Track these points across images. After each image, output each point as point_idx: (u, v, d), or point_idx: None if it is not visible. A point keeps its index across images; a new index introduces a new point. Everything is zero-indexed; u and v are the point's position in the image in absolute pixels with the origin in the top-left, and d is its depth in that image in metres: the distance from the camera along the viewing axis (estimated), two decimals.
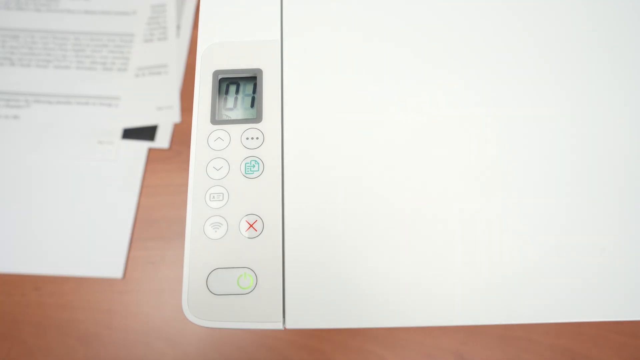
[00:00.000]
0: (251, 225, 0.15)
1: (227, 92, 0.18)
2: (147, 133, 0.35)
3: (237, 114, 0.18)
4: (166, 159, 0.35)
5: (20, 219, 0.32)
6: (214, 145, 0.17)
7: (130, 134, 0.35)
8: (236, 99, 0.18)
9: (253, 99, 0.18)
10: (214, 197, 0.16)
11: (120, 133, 0.35)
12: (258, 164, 0.16)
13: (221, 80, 0.18)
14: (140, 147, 0.35)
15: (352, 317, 0.15)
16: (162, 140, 0.35)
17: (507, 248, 0.16)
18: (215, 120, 0.17)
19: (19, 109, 0.35)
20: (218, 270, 0.14)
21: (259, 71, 0.18)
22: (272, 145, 0.17)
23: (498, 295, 0.15)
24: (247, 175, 0.16)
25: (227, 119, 0.18)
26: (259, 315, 0.14)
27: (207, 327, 0.14)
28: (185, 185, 0.17)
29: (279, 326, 0.14)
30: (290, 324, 0.14)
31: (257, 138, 0.17)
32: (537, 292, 0.15)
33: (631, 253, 0.16)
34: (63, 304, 0.31)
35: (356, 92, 0.18)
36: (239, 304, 0.14)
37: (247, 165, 0.16)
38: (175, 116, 0.36)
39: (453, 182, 0.17)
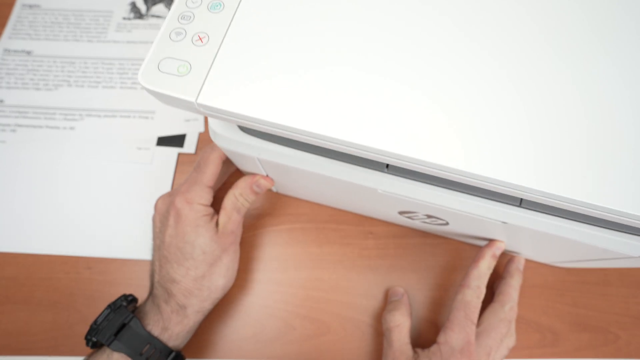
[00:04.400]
0: (200, 39, 0.18)
1: None
2: (177, 141, 0.36)
3: None
4: (193, 162, 0.35)
5: (75, 211, 0.34)
6: None
7: (164, 141, 0.36)
8: None
9: None
10: (184, 17, 0.18)
11: (155, 141, 0.36)
12: (221, 5, 0.19)
13: None
14: (172, 152, 0.36)
15: (252, 109, 0.16)
16: (189, 146, 0.36)
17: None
18: None
19: (75, 121, 0.36)
20: (168, 58, 0.17)
21: None
22: None
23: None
24: (211, 10, 0.18)
25: None
26: (183, 91, 0.17)
27: (149, 90, 0.17)
28: None
29: (193, 99, 0.17)
30: (201, 100, 0.17)
31: None
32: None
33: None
34: (109, 280, 0.32)
35: None
36: (174, 81, 0.17)
37: (213, 3, 0.19)
38: (200, 127, 0.36)
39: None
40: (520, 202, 0.20)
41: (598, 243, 0.20)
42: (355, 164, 0.21)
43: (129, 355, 0.24)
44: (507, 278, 0.28)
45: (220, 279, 0.27)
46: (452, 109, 0.16)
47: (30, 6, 0.41)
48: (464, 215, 0.22)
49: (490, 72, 0.17)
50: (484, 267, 0.26)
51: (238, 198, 0.27)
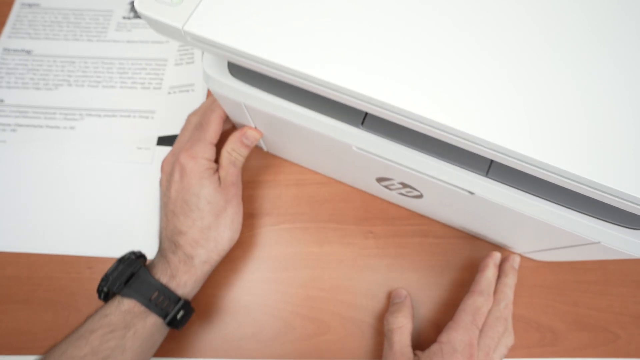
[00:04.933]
0: None
1: None
2: None
3: None
4: None
5: (76, 210, 0.34)
6: None
7: (164, 141, 0.36)
8: None
9: None
10: None
11: (155, 140, 0.36)
12: None
13: None
14: None
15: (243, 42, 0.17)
16: None
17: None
18: None
19: (75, 121, 0.37)
20: None
21: None
22: None
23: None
24: None
25: None
26: (172, 18, 0.18)
27: (142, 14, 0.18)
28: None
29: (180, 26, 0.18)
30: (187, 27, 0.18)
31: None
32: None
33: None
34: None
35: None
36: (165, 9, 0.18)
37: None
38: None
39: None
40: (487, 172, 0.21)
41: (561, 224, 0.21)
42: (332, 117, 0.22)
43: (139, 301, 0.24)
44: (502, 277, 0.28)
45: (226, 230, 0.27)
46: (439, 62, 0.17)
47: (30, 5, 0.41)
48: (433, 182, 0.22)
49: (477, 28, 0.17)
50: (491, 275, 0.28)
51: (231, 153, 0.28)
